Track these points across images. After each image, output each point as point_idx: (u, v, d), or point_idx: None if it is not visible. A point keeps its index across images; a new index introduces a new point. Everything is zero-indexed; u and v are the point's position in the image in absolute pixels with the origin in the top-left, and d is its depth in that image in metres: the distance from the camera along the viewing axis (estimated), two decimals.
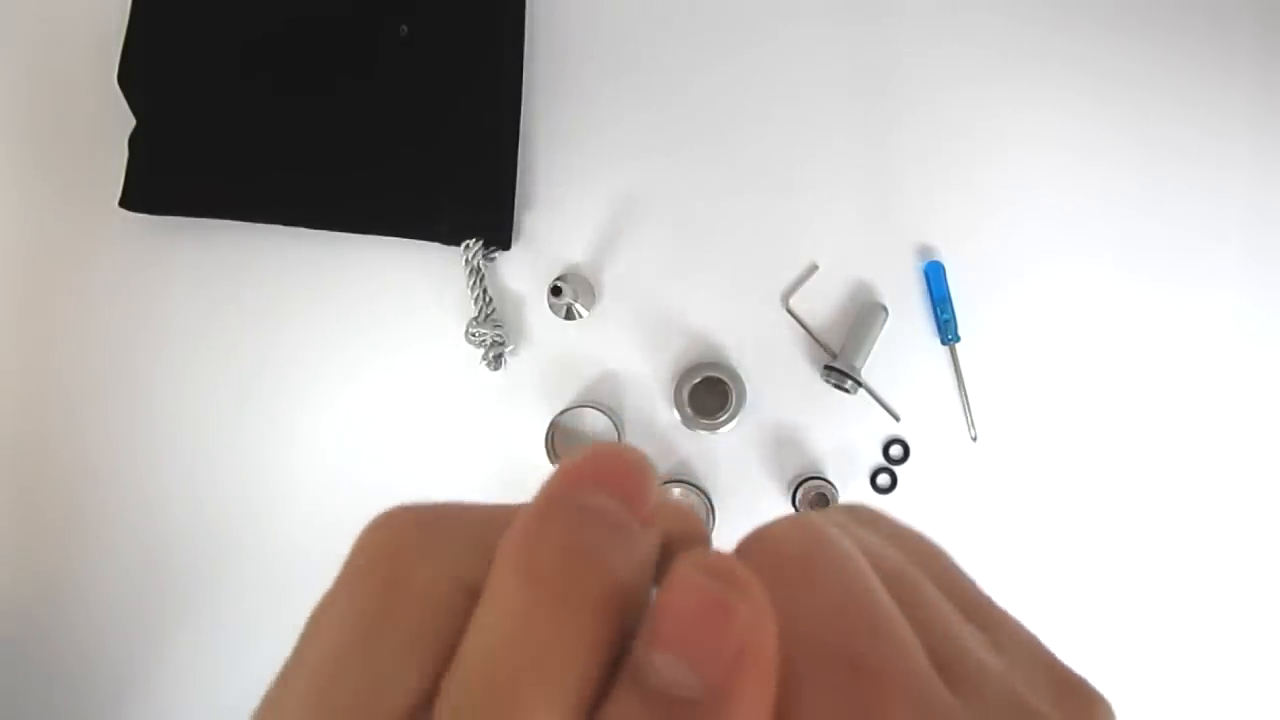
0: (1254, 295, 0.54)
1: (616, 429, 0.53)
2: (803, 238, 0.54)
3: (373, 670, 0.14)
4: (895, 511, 0.19)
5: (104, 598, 0.53)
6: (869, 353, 0.53)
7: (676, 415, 0.53)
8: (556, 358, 0.54)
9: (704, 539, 0.17)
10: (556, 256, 0.54)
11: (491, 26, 0.54)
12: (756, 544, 0.16)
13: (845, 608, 0.14)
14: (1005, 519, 0.53)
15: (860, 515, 0.19)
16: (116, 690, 0.52)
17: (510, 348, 0.54)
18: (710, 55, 0.55)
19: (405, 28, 0.54)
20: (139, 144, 0.53)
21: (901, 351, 0.53)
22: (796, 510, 0.51)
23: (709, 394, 0.52)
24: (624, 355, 0.54)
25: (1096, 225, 0.54)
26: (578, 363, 0.54)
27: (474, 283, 0.52)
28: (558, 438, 0.53)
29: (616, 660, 0.14)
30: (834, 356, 0.53)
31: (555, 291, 0.52)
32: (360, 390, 0.54)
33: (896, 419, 0.53)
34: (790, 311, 0.54)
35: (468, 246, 0.52)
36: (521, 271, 0.54)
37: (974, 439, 0.53)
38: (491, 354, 0.52)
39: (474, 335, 0.52)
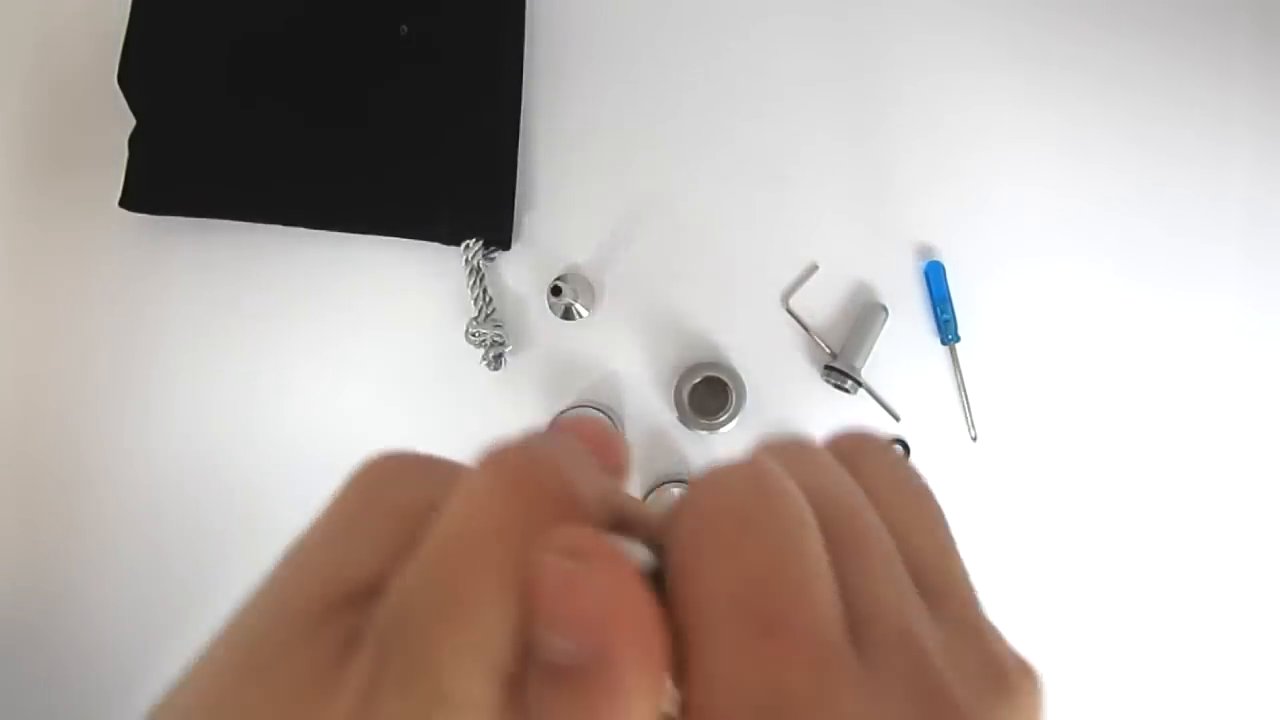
0: (1253, 296, 0.54)
1: (617, 429, 0.53)
2: (803, 238, 0.54)
3: (339, 553, 0.17)
4: None
5: (104, 602, 0.53)
6: (869, 353, 0.53)
7: (676, 415, 0.53)
8: (556, 358, 0.54)
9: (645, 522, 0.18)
10: (556, 256, 0.54)
11: (491, 27, 0.54)
12: (706, 489, 0.16)
13: (769, 566, 0.14)
14: (1005, 519, 0.53)
15: (859, 447, 0.19)
16: (116, 694, 0.52)
17: (510, 348, 0.54)
18: (711, 55, 0.55)
19: (405, 28, 0.54)
20: (139, 144, 0.53)
21: (901, 351, 0.53)
22: None
23: (709, 394, 0.52)
24: (624, 355, 0.54)
25: (1096, 226, 0.54)
26: (578, 363, 0.54)
27: (474, 283, 0.52)
28: None
29: None
30: (834, 356, 0.53)
31: (555, 291, 0.52)
32: (360, 390, 0.54)
33: (896, 419, 0.53)
34: (790, 311, 0.54)
35: (468, 246, 0.52)
36: (521, 271, 0.54)
37: (974, 439, 0.53)
38: (491, 354, 0.52)
39: (474, 335, 0.52)
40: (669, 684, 0.15)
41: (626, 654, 0.14)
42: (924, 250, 0.54)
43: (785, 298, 0.54)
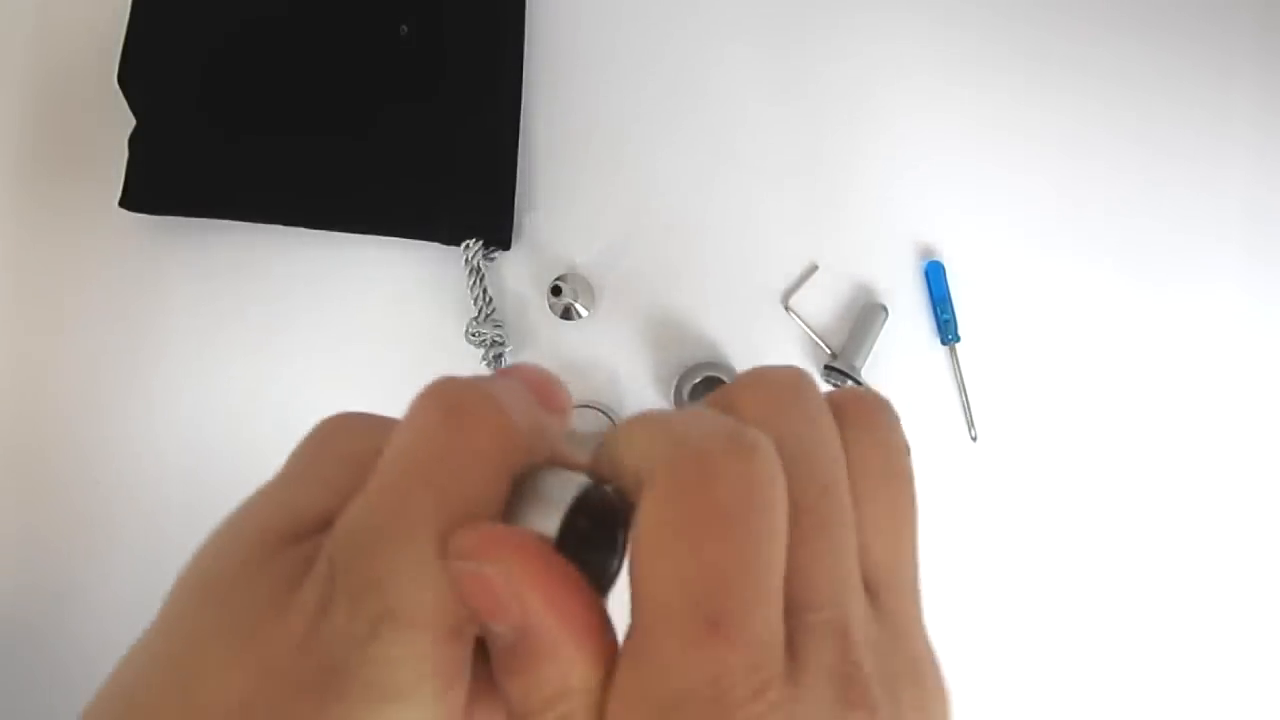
0: (1254, 295, 0.54)
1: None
2: (803, 238, 0.54)
3: (292, 494, 0.18)
4: None
5: (105, 602, 0.53)
6: (869, 353, 0.53)
7: None
8: (556, 358, 0.54)
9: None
10: (556, 256, 0.54)
11: (491, 27, 0.54)
12: (686, 461, 0.15)
13: (732, 566, 0.15)
14: (1005, 519, 0.53)
15: (863, 416, 0.19)
16: None
17: (510, 348, 0.54)
18: (712, 54, 0.55)
19: (405, 28, 0.54)
20: (139, 144, 0.53)
21: (901, 351, 0.53)
22: None
23: (709, 394, 0.52)
24: (624, 355, 0.54)
25: (1097, 225, 0.54)
26: (578, 363, 0.54)
27: (474, 283, 0.52)
28: None
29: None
30: (834, 356, 0.53)
31: (555, 291, 0.52)
32: (360, 390, 0.54)
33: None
34: (790, 311, 0.54)
35: (468, 246, 0.52)
36: (521, 271, 0.54)
37: (974, 439, 0.53)
38: (491, 354, 0.52)
39: (474, 335, 0.52)
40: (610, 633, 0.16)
41: (547, 620, 0.15)
42: (924, 250, 0.54)
43: (785, 298, 0.54)
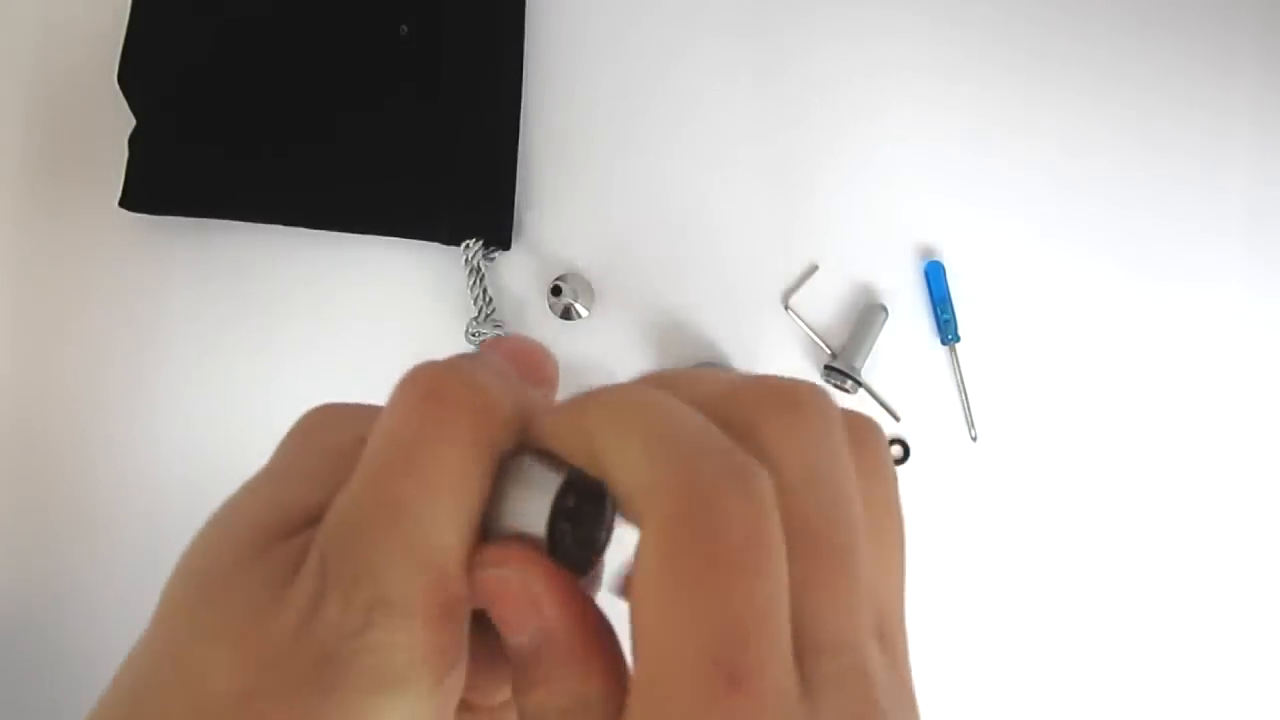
0: (1256, 294, 0.54)
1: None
2: (803, 238, 0.54)
3: (279, 489, 0.18)
4: None
5: (106, 601, 0.53)
6: (869, 353, 0.53)
7: None
8: (556, 357, 0.54)
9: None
10: (556, 256, 0.54)
11: (491, 27, 0.54)
12: (689, 503, 0.15)
13: (748, 619, 0.14)
14: (1005, 519, 0.53)
15: (867, 448, 0.18)
16: None
17: None
18: (712, 54, 0.55)
19: (405, 27, 0.54)
20: (139, 144, 0.53)
21: (901, 351, 0.53)
22: None
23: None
24: (624, 355, 0.54)
25: (1097, 224, 0.54)
26: (578, 363, 0.54)
27: (474, 283, 0.52)
28: None
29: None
30: (834, 356, 0.53)
31: (555, 291, 0.52)
32: (361, 390, 0.54)
33: (896, 419, 0.53)
34: (790, 311, 0.54)
35: (468, 246, 0.52)
36: (521, 271, 0.54)
37: (974, 439, 0.53)
38: None
39: (474, 335, 0.52)
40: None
41: (561, 638, 0.16)
42: (924, 250, 0.54)
43: (785, 298, 0.54)
